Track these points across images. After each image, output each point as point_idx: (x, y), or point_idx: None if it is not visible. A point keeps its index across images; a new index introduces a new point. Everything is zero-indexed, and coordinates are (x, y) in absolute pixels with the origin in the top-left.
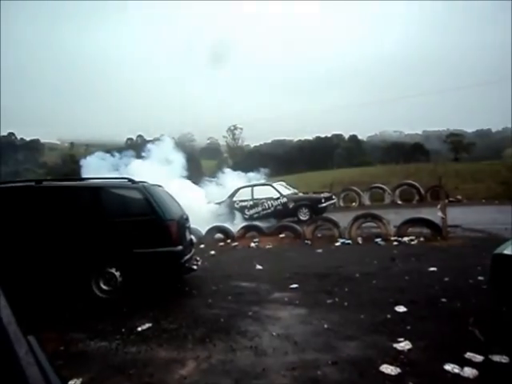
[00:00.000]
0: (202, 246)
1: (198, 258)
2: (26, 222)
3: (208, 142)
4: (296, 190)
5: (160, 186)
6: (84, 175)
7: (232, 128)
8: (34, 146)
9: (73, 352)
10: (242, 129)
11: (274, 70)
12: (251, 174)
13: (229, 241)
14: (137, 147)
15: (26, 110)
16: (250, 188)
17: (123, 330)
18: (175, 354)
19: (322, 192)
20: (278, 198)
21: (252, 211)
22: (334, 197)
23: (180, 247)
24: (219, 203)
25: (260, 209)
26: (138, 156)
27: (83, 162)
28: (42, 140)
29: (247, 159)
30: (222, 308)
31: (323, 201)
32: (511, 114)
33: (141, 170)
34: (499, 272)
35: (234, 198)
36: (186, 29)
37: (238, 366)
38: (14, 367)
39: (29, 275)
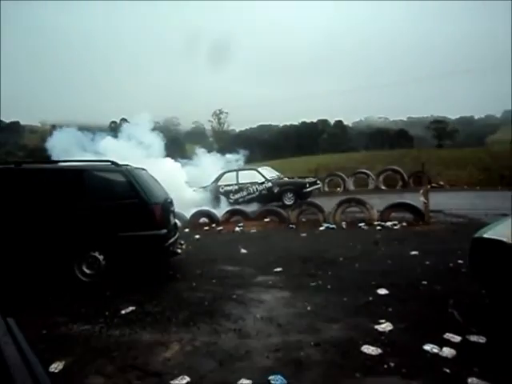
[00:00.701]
0: (187, 230)
1: (182, 242)
2: (6, 206)
3: (193, 126)
4: (281, 175)
5: (144, 169)
6: (50, 153)
7: (217, 112)
8: (15, 128)
9: (55, 335)
10: (227, 113)
11: (260, 55)
12: (229, 156)
13: (213, 225)
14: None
15: (7, 92)
16: (235, 172)
17: (106, 313)
18: (159, 337)
19: (307, 177)
20: (263, 183)
21: (237, 195)
22: (318, 182)
23: (164, 231)
24: (204, 187)
25: (245, 193)
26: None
27: (50, 140)
28: (23, 122)
29: (232, 143)
30: (206, 291)
31: (308, 186)
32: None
33: (112, 149)
34: (478, 255)
35: (219, 183)
36: (173, 14)
37: (222, 348)
38: None
39: (10, 259)
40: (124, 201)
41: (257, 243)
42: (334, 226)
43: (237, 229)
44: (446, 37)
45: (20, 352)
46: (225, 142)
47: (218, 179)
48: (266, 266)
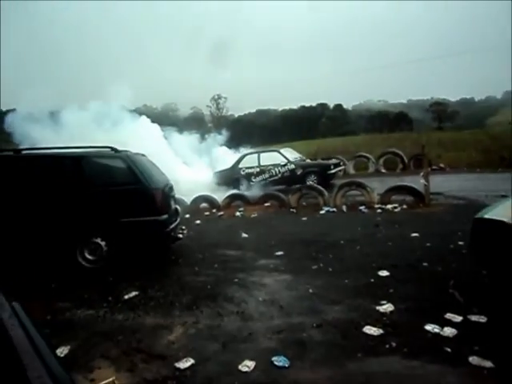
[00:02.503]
0: (188, 215)
1: (183, 227)
2: (7, 193)
3: (191, 111)
4: (303, 157)
5: (143, 154)
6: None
7: (216, 97)
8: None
9: (60, 321)
10: (226, 98)
11: (258, 39)
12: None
13: (214, 210)
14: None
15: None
16: (256, 154)
17: (110, 298)
18: (162, 321)
19: (330, 158)
20: (286, 165)
21: (258, 178)
22: (342, 163)
23: (165, 216)
24: (221, 171)
25: (267, 175)
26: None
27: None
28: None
29: (231, 129)
30: (208, 275)
31: (332, 167)
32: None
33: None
34: (479, 236)
35: (240, 165)
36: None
37: (225, 331)
38: None
39: (14, 246)
40: (124, 187)
41: (258, 227)
42: (334, 209)
43: (237, 213)
44: (446, 17)
45: (27, 335)
46: (224, 127)
47: (238, 161)
48: (268, 249)
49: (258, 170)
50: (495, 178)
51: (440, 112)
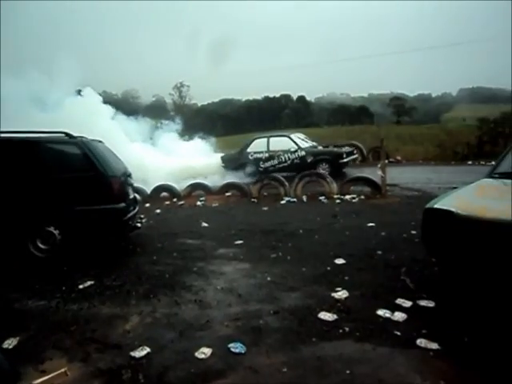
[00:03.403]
0: (148, 204)
1: (142, 216)
2: None
3: (153, 99)
4: (315, 143)
5: (100, 141)
6: None
7: (178, 85)
8: None
9: (7, 312)
10: (189, 86)
11: (222, 29)
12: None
13: (175, 199)
14: None
15: None
16: (265, 139)
17: (63, 288)
18: (118, 310)
19: (343, 145)
20: (296, 151)
21: (267, 164)
22: (355, 152)
23: (123, 204)
24: (229, 155)
25: (276, 162)
26: None
27: None
28: None
29: (194, 118)
30: (167, 264)
31: (345, 156)
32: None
33: None
34: (429, 224)
35: (248, 150)
36: None
37: (183, 319)
38: None
39: None
40: (80, 174)
41: (218, 217)
42: (295, 199)
43: (198, 203)
44: (408, 13)
45: None
46: (187, 116)
47: (247, 145)
48: (227, 238)
49: (266, 155)
50: (448, 170)
51: (399, 107)
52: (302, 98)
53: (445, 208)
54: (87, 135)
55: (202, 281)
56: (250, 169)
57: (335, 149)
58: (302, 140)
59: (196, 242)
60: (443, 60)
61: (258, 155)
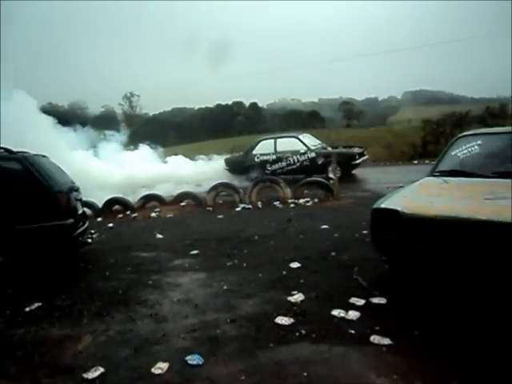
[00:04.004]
0: (100, 219)
1: (93, 231)
2: None
3: (103, 110)
4: (324, 144)
5: (44, 156)
6: None
7: (128, 95)
8: None
9: None
10: (139, 96)
11: (175, 38)
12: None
13: (128, 212)
14: None
15: None
16: (272, 140)
17: (7, 312)
18: (69, 331)
19: (353, 146)
20: (306, 153)
21: (275, 166)
22: (366, 153)
23: (71, 220)
24: (233, 157)
25: (284, 164)
26: None
27: None
28: None
29: (146, 128)
30: (120, 280)
31: (357, 157)
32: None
33: None
34: (376, 224)
35: (254, 152)
36: None
37: (138, 334)
38: None
39: None
40: (22, 190)
41: (173, 228)
42: (250, 206)
43: (153, 214)
44: (353, 21)
45: None
46: (138, 126)
47: (253, 147)
48: (183, 249)
49: (274, 157)
50: (396, 170)
51: (348, 111)
52: (254, 105)
53: (390, 207)
54: (18, 147)
55: (158, 294)
56: (256, 172)
57: (346, 150)
58: (311, 140)
59: (150, 255)
60: (389, 65)
61: (265, 157)
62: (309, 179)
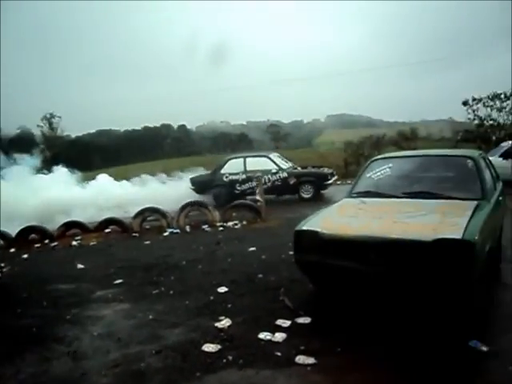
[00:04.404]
0: (13, 249)
1: (2, 265)
2: None
3: (18, 131)
4: (294, 164)
5: None
6: None
7: (48, 116)
8: None
9: None
10: (60, 117)
11: (97, 57)
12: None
13: (47, 241)
14: None
15: None
16: (242, 159)
17: None
18: None
19: (321, 166)
20: (277, 172)
21: (245, 186)
22: (335, 173)
23: None
24: (200, 176)
25: (254, 184)
26: None
27: None
28: None
29: (68, 150)
30: (34, 316)
31: (329, 177)
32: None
33: None
34: (299, 245)
35: (223, 171)
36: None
37: (54, 376)
38: None
39: None
40: None
41: (96, 256)
42: (178, 230)
43: (74, 243)
44: (281, 47)
45: None
46: (59, 148)
47: (221, 166)
48: (106, 279)
49: (243, 176)
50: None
51: (275, 133)
52: (182, 127)
53: (311, 229)
54: None
55: (77, 329)
56: (224, 191)
57: (318, 170)
58: (282, 160)
59: (70, 287)
60: (314, 89)
61: (234, 177)
62: (236, 202)
